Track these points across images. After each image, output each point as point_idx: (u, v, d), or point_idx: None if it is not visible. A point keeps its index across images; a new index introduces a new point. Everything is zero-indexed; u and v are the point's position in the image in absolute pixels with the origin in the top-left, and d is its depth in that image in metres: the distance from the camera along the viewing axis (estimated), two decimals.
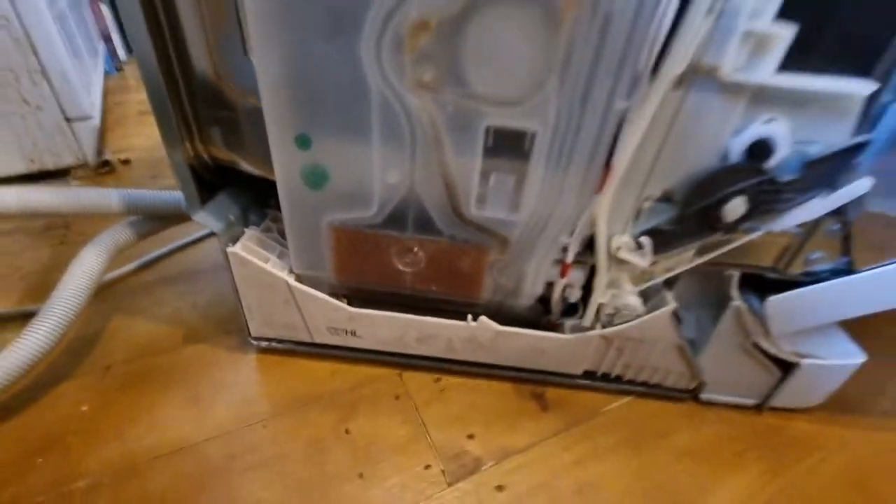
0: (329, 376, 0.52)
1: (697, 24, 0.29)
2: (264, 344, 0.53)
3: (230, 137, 0.42)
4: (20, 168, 0.83)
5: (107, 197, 0.51)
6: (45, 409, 0.47)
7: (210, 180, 0.45)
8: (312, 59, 0.33)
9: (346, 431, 0.46)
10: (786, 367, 0.47)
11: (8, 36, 0.73)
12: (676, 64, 0.30)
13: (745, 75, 0.31)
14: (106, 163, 0.89)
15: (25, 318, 0.46)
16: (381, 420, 0.48)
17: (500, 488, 0.43)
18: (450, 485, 0.43)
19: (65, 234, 0.72)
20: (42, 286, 0.61)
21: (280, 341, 0.52)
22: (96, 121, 0.89)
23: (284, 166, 0.39)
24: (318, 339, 0.51)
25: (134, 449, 0.44)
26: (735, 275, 0.43)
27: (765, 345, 0.45)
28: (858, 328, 0.46)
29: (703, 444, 0.48)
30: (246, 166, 0.43)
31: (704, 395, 0.51)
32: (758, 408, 0.51)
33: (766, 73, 0.31)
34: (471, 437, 0.47)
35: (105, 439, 0.44)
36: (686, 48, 0.30)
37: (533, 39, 0.30)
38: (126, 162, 0.92)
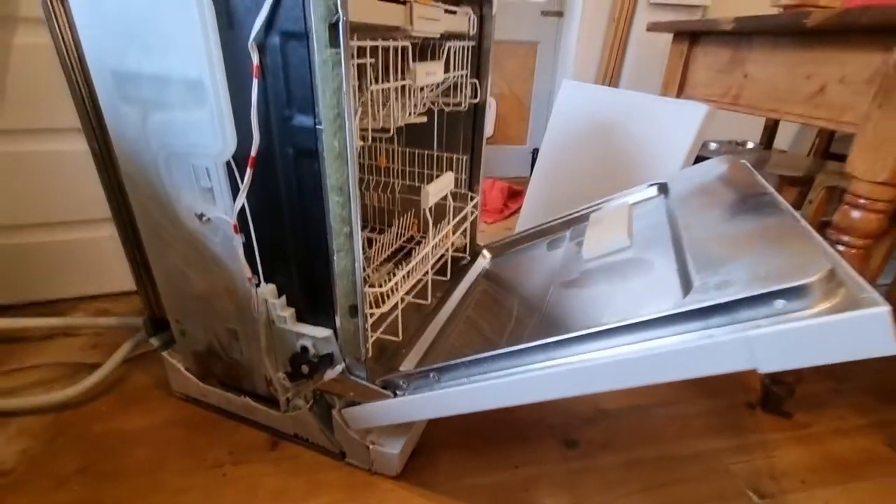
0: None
1: None
2: (179, 395, 1.17)
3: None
4: None
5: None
6: None
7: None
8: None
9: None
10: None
11: None
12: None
13: (284, 325, 0.89)
14: None
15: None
16: None
17: None
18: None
19: None
20: None
21: (181, 394, 1.17)
22: None
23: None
24: (192, 395, 1.14)
25: None
26: (335, 396, 0.96)
27: (354, 435, 0.96)
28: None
29: (339, 480, 0.98)
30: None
31: (348, 459, 1.01)
32: (369, 471, 1.00)
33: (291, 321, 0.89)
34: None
35: None
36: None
37: None
38: None
